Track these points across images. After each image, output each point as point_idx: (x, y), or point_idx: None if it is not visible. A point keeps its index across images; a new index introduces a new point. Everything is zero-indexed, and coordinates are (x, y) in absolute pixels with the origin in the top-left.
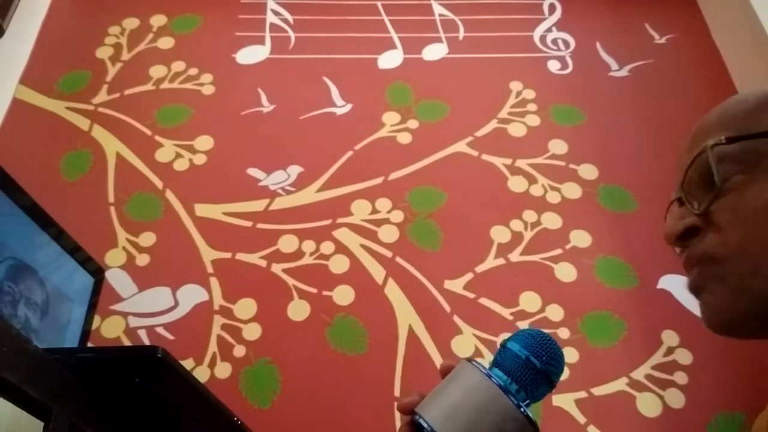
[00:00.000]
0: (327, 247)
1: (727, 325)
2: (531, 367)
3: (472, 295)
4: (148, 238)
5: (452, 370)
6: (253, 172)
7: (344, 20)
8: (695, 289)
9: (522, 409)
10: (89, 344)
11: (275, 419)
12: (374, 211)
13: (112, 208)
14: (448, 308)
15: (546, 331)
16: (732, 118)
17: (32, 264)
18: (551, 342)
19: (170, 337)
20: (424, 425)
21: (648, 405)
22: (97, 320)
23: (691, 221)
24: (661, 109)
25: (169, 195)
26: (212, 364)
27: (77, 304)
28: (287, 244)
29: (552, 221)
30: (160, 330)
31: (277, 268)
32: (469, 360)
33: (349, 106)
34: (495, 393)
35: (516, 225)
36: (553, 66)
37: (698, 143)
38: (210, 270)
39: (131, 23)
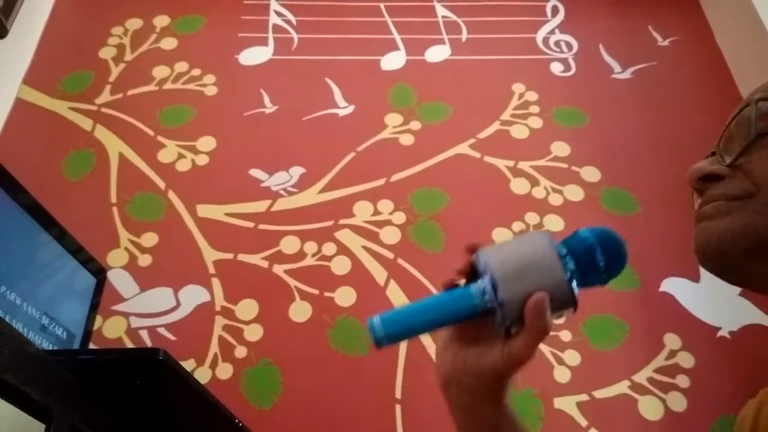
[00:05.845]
0: (329, 248)
1: (717, 255)
2: (592, 255)
3: None
4: (150, 239)
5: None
6: (255, 173)
7: (347, 22)
8: (701, 217)
9: (570, 283)
10: (91, 344)
11: (276, 420)
12: (376, 212)
13: (115, 209)
14: None
15: None
16: None
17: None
18: (620, 244)
19: (172, 337)
20: (480, 263)
21: (650, 408)
22: (98, 320)
23: (719, 169)
24: (664, 112)
25: (172, 195)
26: (213, 365)
27: (79, 304)
28: (289, 245)
29: (554, 223)
30: (162, 330)
31: (278, 269)
32: (542, 231)
33: (351, 108)
34: (551, 258)
35: (518, 227)
36: (556, 68)
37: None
38: (212, 271)
39: (134, 24)
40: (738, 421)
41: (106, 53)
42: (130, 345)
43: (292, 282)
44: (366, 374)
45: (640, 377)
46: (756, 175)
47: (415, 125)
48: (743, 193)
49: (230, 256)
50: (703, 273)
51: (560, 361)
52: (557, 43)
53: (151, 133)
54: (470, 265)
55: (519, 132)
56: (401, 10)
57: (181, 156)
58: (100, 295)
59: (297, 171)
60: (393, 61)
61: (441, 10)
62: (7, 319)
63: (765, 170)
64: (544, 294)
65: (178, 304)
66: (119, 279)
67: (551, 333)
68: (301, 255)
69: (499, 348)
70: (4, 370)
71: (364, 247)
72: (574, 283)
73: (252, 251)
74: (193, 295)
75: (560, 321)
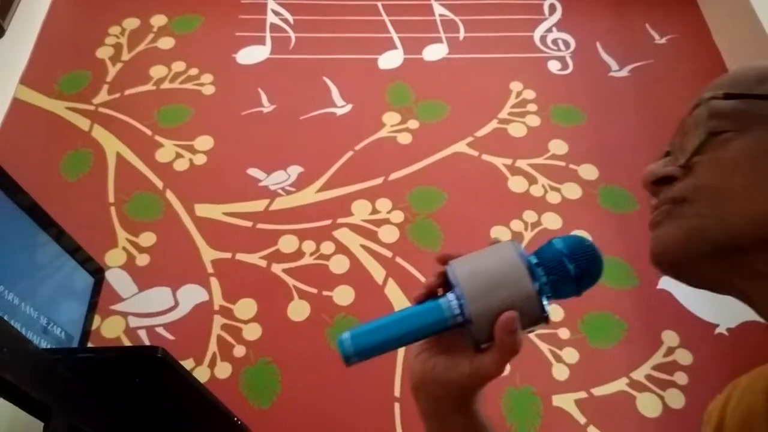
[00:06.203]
0: (327, 247)
1: (672, 262)
2: (564, 266)
3: None
4: (148, 238)
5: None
6: (253, 172)
7: (344, 20)
8: (653, 224)
9: (540, 296)
10: (89, 344)
11: (275, 419)
12: (374, 211)
13: (113, 208)
14: None
15: (546, 332)
16: (737, 79)
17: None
18: (595, 254)
19: (170, 337)
20: (450, 276)
21: (648, 405)
22: (97, 320)
23: (671, 170)
24: (661, 110)
25: (169, 195)
26: (212, 364)
27: (77, 304)
28: (287, 244)
29: (552, 221)
30: (160, 330)
31: (277, 268)
32: (513, 241)
33: (349, 107)
34: (520, 272)
35: (516, 225)
36: (554, 66)
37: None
38: (210, 270)
39: (131, 23)
40: (705, 416)
41: (104, 53)
42: (128, 345)
43: (290, 281)
44: (365, 373)
45: (639, 374)
46: (701, 179)
47: (413, 124)
48: (688, 199)
49: (228, 255)
50: None
51: (558, 359)
52: (555, 42)
53: (148, 132)
54: (443, 276)
55: (517, 130)
56: (399, 9)
57: (178, 155)
58: (99, 295)
59: (295, 170)
60: (390, 59)
61: (438, 9)
62: (5, 319)
63: (706, 172)
64: (514, 313)
65: (177, 304)
66: (117, 279)
67: (549, 331)
68: (299, 254)
69: (468, 361)
70: (3, 369)
71: (363, 246)
72: (545, 298)
73: (250, 250)
74: (191, 295)
75: (538, 331)
